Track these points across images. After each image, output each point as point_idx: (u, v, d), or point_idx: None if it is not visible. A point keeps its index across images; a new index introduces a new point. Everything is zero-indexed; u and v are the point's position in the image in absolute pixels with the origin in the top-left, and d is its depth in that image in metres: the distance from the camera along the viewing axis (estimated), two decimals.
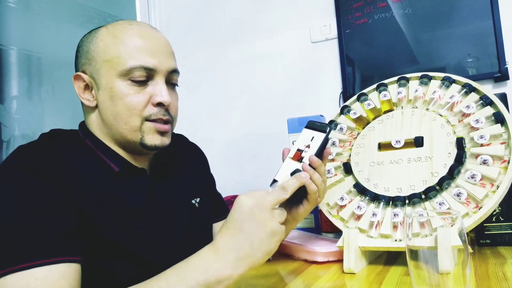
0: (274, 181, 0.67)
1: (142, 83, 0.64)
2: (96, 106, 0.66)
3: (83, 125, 0.71)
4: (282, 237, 0.53)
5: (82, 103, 0.69)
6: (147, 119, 0.65)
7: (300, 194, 0.67)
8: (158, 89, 0.65)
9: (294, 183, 0.58)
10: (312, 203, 0.67)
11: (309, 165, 0.64)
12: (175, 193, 0.74)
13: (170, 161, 0.76)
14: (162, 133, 0.66)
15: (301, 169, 0.63)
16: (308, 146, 0.66)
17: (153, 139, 0.65)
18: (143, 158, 0.71)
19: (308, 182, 0.63)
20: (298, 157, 0.66)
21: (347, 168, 0.80)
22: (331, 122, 0.89)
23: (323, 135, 0.66)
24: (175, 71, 0.68)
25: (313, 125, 0.68)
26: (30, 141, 0.63)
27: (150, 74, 0.64)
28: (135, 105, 0.63)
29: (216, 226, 0.86)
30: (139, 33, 0.65)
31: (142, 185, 0.69)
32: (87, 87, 0.66)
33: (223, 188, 0.96)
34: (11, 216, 0.53)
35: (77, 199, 0.58)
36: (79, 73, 0.66)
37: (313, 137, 0.67)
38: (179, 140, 0.87)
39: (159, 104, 0.65)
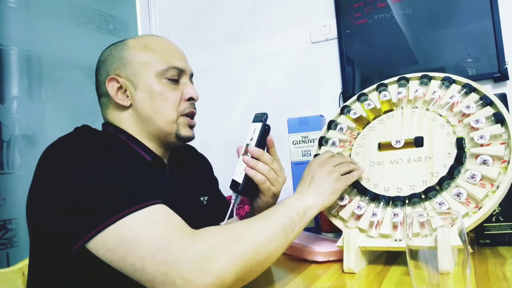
0: (233, 181, 0.69)
1: (175, 82, 0.75)
2: (130, 105, 0.73)
3: (109, 123, 0.75)
4: (343, 183, 0.71)
5: (110, 104, 0.74)
6: (182, 114, 0.74)
7: (255, 188, 0.68)
8: (188, 87, 0.76)
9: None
10: (266, 193, 0.71)
11: (252, 157, 0.66)
12: (187, 189, 0.80)
13: (182, 163, 0.83)
14: (191, 127, 0.77)
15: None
16: (252, 139, 0.68)
17: (186, 131, 0.76)
18: (166, 155, 0.79)
19: (252, 174, 0.67)
20: (247, 152, 0.68)
21: None
22: (332, 122, 0.89)
23: (260, 125, 0.68)
24: (192, 75, 0.81)
25: (256, 117, 0.71)
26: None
27: (180, 74, 0.75)
28: (173, 100, 0.73)
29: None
30: (164, 43, 0.77)
31: (164, 178, 0.75)
32: (120, 88, 0.73)
33: (223, 188, 0.96)
34: (101, 176, 0.56)
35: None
36: (113, 76, 0.72)
37: (255, 129, 0.69)
38: (189, 150, 0.95)
39: (189, 99, 0.75)
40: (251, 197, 0.75)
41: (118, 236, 0.51)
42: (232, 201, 0.70)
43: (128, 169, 0.60)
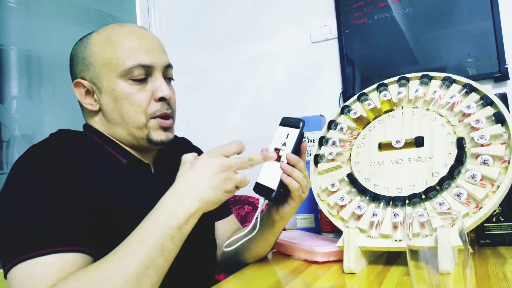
0: (257, 184, 0.68)
1: (142, 81, 0.67)
2: (99, 110, 0.69)
3: (87, 125, 0.72)
4: (234, 179, 0.59)
5: (83, 108, 0.71)
6: (152, 117, 0.68)
7: (285, 193, 0.67)
8: (158, 85, 0.68)
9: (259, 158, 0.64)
10: (296, 200, 0.68)
11: (287, 163, 0.64)
12: None
13: (173, 160, 0.78)
14: (165, 129, 0.70)
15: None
16: (285, 144, 0.66)
17: (159, 135, 0.69)
18: (147, 155, 0.74)
19: (288, 181, 0.64)
20: (277, 156, 0.66)
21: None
22: (332, 122, 0.89)
23: (297, 131, 0.66)
24: (169, 66, 0.71)
25: (287, 121, 0.68)
26: (30, 141, 0.64)
27: (148, 71, 0.67)
28: (139, 103, 0.66)
29: (219, 224, 0.86)
30: (131, 33, 0.68)
31: (148, 179, 0.71)
32: (88, 92, 0.68)
33: None
34: (25, 207, 0.55)
35: (89, 194, 0.60)
36: (78, 80, 0.68)
37: (288, 134, 0.67)
38: (183, 143, 0.90)
39: (161, 99, 0.68)
40: (280, 202, 0.70)
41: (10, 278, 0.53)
42: (260, 206, 0.67)
43: (52, 206, 0.56)
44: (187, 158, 0.61)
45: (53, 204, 0.56)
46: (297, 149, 0.66)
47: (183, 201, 0.56)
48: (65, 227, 0.55)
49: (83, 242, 0.56)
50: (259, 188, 0.67)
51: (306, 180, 0.68)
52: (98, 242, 0.58)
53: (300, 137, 0.66)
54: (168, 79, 0.72)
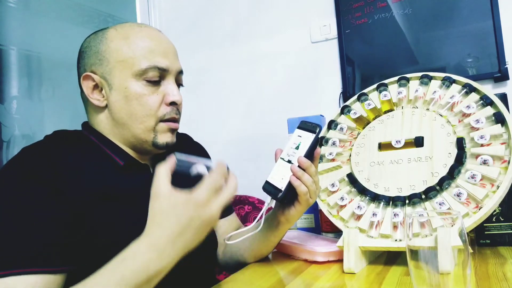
0: (267, 182, 0.68)
1: (156, 83, 0.67)
2: (106, 106, 0.68)
3: (87, 124, 0.72)
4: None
5: (87, 103, 0.70)
6: (161, 120, 0.67)
7: (292, 196, 0.67)
8: (170, 89, 0.68)
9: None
10: (303, 204, 0.68)
11: (298, 166, 0.64)
12: (178, 187, 0.74)
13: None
14: (172, 131, 0.70)
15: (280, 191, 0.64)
16: (298, 147, 0.66)
17: (165, 137, 0.69)
18: (146, 155, 0.73)
19: (297, 184, 0.64)
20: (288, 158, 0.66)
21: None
22: (332, 122, 0.89)
23: (312, 136, 0.66)
24: (181, 72, 0.72)
25: (305, 125, 0.68)
26: (30, 141, 0.63)
27: (162, 74, 0.67)
28: (151, 105, 0.66)
29: (220, 223, 0.86)
30: (149, 35, 0.68)
31: (146, 181, 0.69)
32: (96, 87, 0.67)
33: None
34: None
35: (76, 200, 0.58)
36: (88, 73, 0.67)
37: (303, 138, 0.67)
38: (184, 139, 0.89)
39: (172, 103, 0.68)
40: (286, 204, 0.70)
41: None
42: (266, 204, 0.67)
43: (23, 222, 0.54)
44: (161, 190, 0.52)
45: (22, 220, 0.54)
46: (311, 154, 0.66)
47: (161, 256, 0.49)
48: (30, 246, 0.53)
49: (50, 261, 0.54)
50: (268, 187, 0.68)
51: (316, 186, 0.67)
52: (80, 250, 0.57)
53: (315, 142, 0.66)
54: (178, 84, 0.72)
